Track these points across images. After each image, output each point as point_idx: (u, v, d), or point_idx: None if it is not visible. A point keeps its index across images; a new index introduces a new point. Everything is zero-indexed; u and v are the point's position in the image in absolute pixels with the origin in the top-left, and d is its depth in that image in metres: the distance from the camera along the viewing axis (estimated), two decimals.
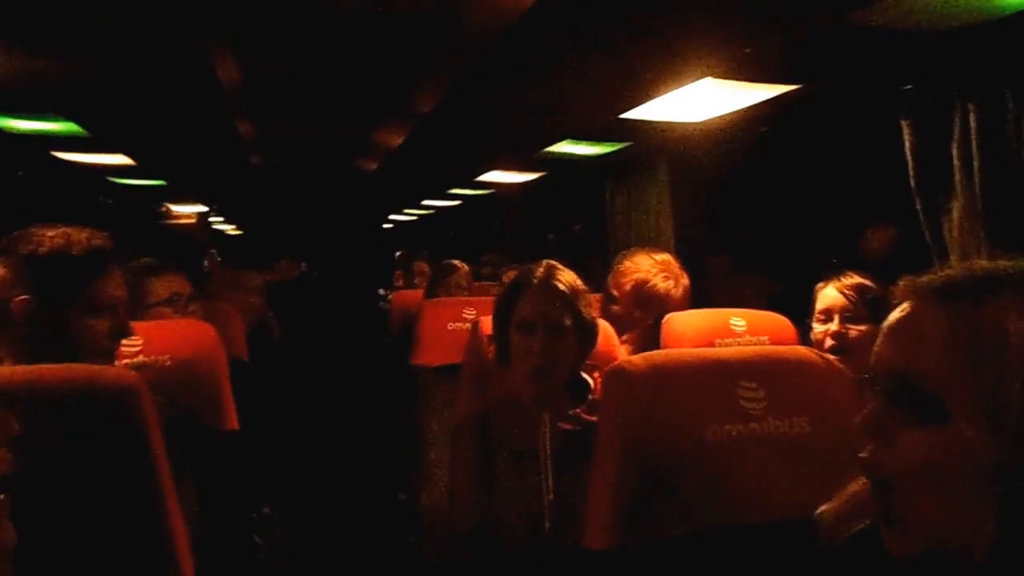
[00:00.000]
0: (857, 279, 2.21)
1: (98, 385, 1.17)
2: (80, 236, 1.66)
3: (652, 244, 3.42)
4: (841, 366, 1.48)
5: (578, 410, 1.92)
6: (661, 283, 2.54)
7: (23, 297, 1.59)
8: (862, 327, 2.18)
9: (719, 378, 1.39)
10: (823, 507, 1.10)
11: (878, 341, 0.94)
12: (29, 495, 1.08)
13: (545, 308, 1.95)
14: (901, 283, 0.95)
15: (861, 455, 0.93)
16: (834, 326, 2.22)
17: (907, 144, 2.35)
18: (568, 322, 1.94)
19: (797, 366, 1.46)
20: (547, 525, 1.84)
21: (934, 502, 0.88)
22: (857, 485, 1.01)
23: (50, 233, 1.64)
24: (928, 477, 0.87)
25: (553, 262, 2.05)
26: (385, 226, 13.32)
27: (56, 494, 1.11)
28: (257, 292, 3.86)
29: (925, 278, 0.93)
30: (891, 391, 0.91)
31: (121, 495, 1.15)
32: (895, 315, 0.94)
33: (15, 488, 1.05)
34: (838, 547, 1.04)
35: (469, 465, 1.98)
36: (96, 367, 1.24)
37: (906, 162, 2.35)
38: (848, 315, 2.20)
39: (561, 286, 1.96)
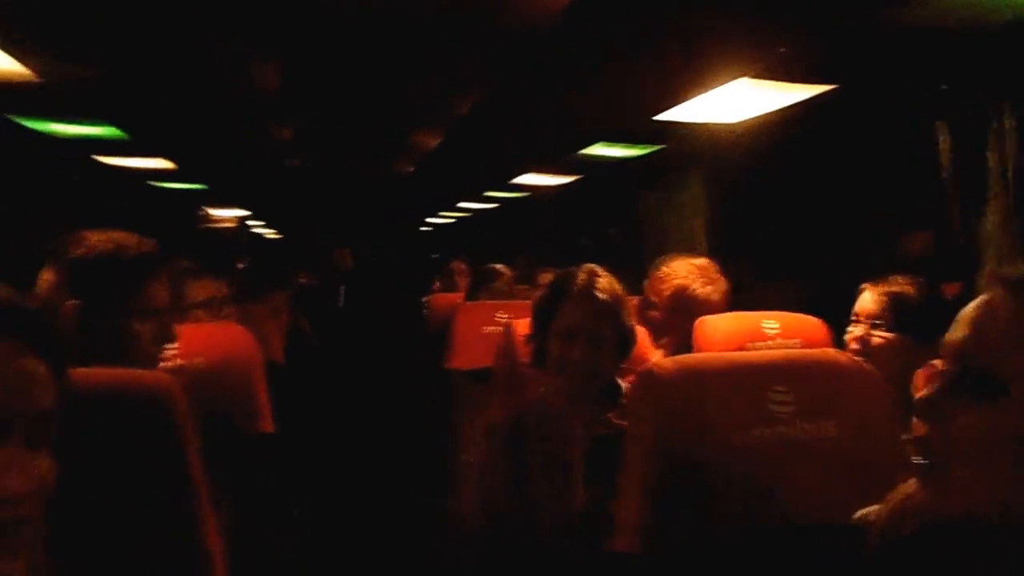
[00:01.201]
0: (895, 286, 2.18)
1: (134, 389, 1.17)
2: (129, 241, 1.66)
3: (685, 247, 3.40)
4: (871, 369, 1.46)
5: (610, 415, 1.91)
6: (700, 289, 2.53)
7: (73, 301, 1.59)
8: (887, 335, 2.16)
9: (748, 381, 1.38)
10: (870, 509, 1.11)
11: (953, 328, 0.97)
12: (64, 500, 1.10)
13: (586, 318, 1.93)
14: (984, 274, 1.00)
15: (916, 434, 0.96)
16: (858, 331, 2.21)
17: (943, 145, 2.32)
18: (608, 332, 1.93)
19: (826, 369, 1.44)
20: (578, 529, 1.84)
21: (984, 474, 0.91)
22: (908, 487, 1.02)
23: (99, 238, 1.63)
24: (980, 451, 0.91)
25: (594, 267, 2.02)
26: (423, 228, 13.34)
27: (92, 498, 1.11)
28: (285, 310, 3.91)
29: (1005, 269, 0.98)
30: (956, 372, 0.94)
31: (157, 498, 1.15)
32: (973, 304, 0.97)
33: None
34: (889, 549, 1.04)
35: (500, 468, 1.98)
36: (132, 371, 1.23)
37: (942, 164, 2.32)
38: (876, 321, 2.18)
39: (603, 295, 1.94)
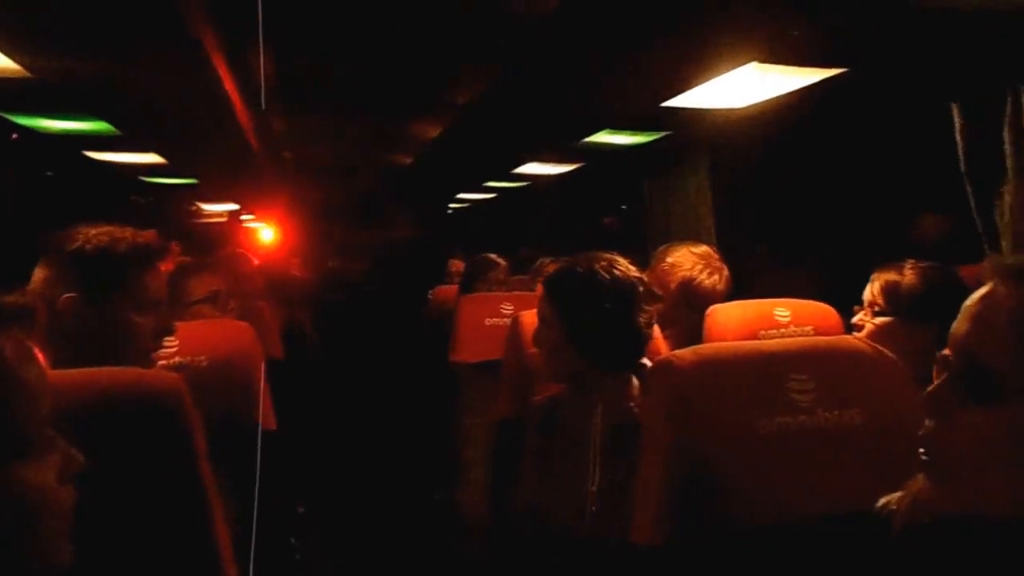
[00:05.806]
0: (894, 273, 2.15)
1: (141, 389, 1.16)
2: (124, 234, 1.66)
3: (691, 235, 3.37)
4: (893, 356, 1.43)
5: (632, 404, 1.88)
6: (707, 279, 2.53)
7: (70, 295, 1.59)
8: (880, 320, 2.15)
9: (767, 370, 1.35)
10: (888, 497, 1.10)
11: (957, 321, 0.95)
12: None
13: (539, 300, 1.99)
14: (986, 263, 0.96)
15: (920, 432, 0.96)
16: (856, 317, 2.22)
17: (957, 128, 2.29)
18: (547, 313, 1.93)
19: (847, 357, 1.42)
20: (588, 513, 1.82)
21: (985, 474, 0.91)
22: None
23: (94, 231, 1.64)
24: (980, 453, 0.91)
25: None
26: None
27: (101, 500, 1.08)
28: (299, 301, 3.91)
29: (1006, 258, 0.98)
30: (958, 369, 0.93)
31: (167, 500, 1.14)
32: (976, 295, 0.95)
33: None
34: (908, 537, 1.03)
35: (529, 457, 2.00)
36: (139, 371, 1.24)
37: (956, 146, 2.29)
38: (875, 308, 2.17)
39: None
